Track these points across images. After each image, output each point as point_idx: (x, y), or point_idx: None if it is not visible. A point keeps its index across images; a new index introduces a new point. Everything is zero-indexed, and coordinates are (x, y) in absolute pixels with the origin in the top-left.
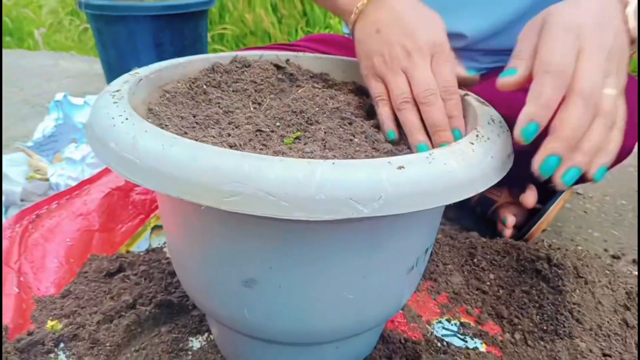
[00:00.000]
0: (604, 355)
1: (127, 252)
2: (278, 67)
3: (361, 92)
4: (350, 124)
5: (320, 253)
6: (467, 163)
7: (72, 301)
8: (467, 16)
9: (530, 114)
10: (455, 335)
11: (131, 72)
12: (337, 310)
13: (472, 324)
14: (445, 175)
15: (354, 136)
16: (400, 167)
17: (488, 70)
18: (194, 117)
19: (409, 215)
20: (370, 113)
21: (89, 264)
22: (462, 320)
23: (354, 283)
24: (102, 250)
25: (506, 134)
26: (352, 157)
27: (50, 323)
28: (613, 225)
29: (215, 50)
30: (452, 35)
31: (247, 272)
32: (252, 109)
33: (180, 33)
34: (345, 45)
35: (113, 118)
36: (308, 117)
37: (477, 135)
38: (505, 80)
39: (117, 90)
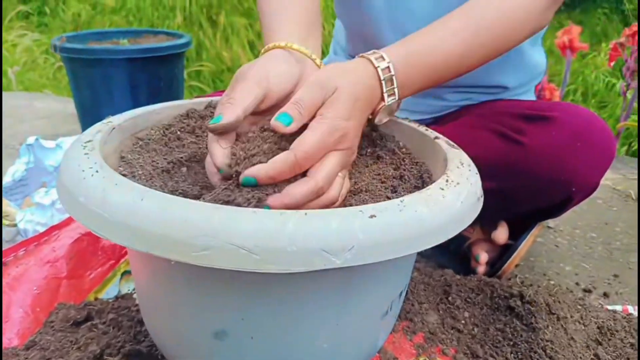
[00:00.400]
0: None
1: (96, 299)
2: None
3: None
4: None
5: (292, 303)
6: (437, 209)
7: (37, 352)
8: None
9: (254, 172)
10: None
11: (104, 121)
12: None
13: None
14: (416, 222)
15: None
16: (372, 216)
17: (457, 109)
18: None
19: (382, 262)
20: None
21: (55, 313)
22: None
23: (328, 332)
24: (70, 298)
25: (475, 177)
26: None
27: None
28: (584, 259)
29: (192, 87)
30: None
31: (217, 324)
32: None
33: (156, 75)
34: None
35: (83, 171)
36: None
37: (446, 181)
38: (278, 124)
39: (89, 141)
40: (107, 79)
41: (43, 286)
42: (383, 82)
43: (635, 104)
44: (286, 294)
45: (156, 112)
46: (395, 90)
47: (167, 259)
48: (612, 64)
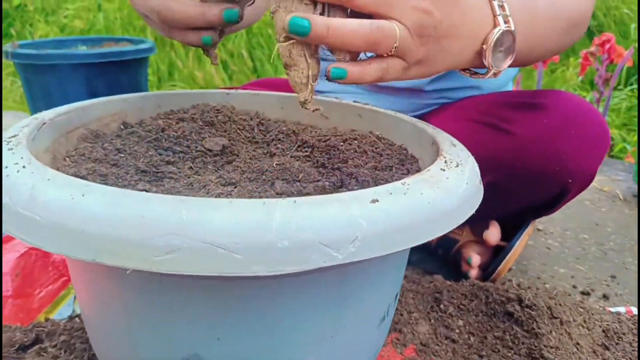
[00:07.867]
0: None
1: (47, 320)
2: (211, 123)
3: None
4: (272, 155)
5: (279, 315)
6: (444, 191)
7: None
8: None
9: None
10: None
11: (32, 117)
12: None
13: None
14: (424, 206)
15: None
16: (373, 201)
17: (437, 107)
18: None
19: (380, 257)
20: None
21: None
22: None
23: (321, 346)
24: (16, 319)
25: (472, 157)
26: (301, 191)
27: None
28: (578, 260)
29: None
30: None
31: (188, 347)
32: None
33: (117, 82)
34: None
35: (7, 167)
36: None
37: (445, 161)
38: None
39: (14, 136)
40: (62, 86)
41: None
42: (495, 5)
43: (609, 113)
44: (270, 304)
45: (93, 107)
46: (510, 19)
47: (120, 269)
48: (583, 74)
